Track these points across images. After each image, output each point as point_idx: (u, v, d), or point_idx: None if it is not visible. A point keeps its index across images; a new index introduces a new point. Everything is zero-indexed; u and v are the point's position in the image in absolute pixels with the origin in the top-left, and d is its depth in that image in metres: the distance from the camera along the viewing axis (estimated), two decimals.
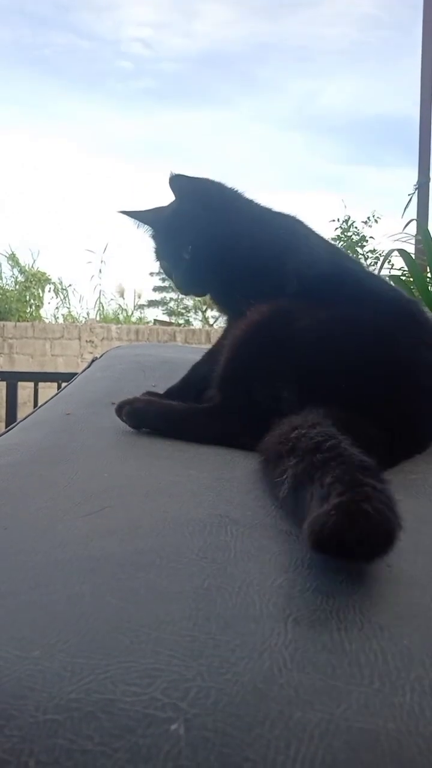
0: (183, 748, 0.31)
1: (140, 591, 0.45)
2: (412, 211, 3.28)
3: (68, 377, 1.98)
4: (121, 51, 24.40)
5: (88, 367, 1.58)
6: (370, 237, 8.35)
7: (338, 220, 8.42)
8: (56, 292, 9.77)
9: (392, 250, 2.76)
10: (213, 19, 24.71)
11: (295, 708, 0.33)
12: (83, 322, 8.28)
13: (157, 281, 17.94)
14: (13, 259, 9.75)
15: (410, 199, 3.26)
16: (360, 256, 8.31)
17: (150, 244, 1.17)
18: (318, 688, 0.35)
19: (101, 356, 1.71)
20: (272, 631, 0.40)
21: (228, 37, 24.47)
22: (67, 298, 9.72)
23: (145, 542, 0.54)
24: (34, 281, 9.68)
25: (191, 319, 14.72)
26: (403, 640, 0.40)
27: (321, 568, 0.50)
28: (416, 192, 3.32)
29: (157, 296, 17.45)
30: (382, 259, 2.83)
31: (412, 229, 3.07)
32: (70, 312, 9.68)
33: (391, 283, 1.46)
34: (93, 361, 1.63)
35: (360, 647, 0.39)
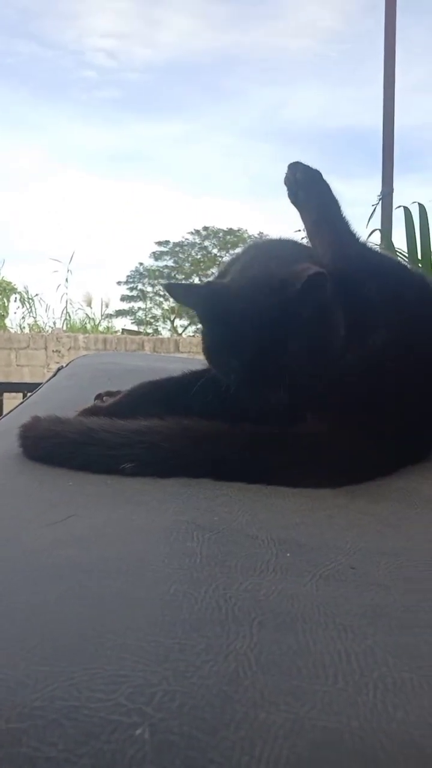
0: (148, 752, 0.30)
1: (106, 598, 0.45)
2: (376, 221, 3.34)
3: (33, 387, 1.96)
4: (85, 60, 24.43)
5: (54, 375, 1.56)
6: None
7: (304, 229, 8.50)
8: (22, 301, 9.67)
9: None
10: (177, 30, 24.90)
11: (260, 709, 0.33)
12: (49, 331, 8.20)
13: (125, 291, 17.96)
14: None
15: (374, 210, 3.32)
16: None
17: None
18: (283, 689, 0.35)
19: (67, 365, 1.70)
20: (238, 635, 0.40)
21: (192, 47, 24.74)
22: (33, 308, 9.61)
23: (110, 550, 0.54)
24: None
25: (160, 329, 14.73)
26: (366, 641, 0.41)
27: (287, 572, 0.51)
28: (380, 202, 3.38)
29: (125, 306, 17.45)
30: None
31: (376, 238, 3.12)
32: (36, 322, 9.58)
33: None
34: (59, 369, 1.62)
35: (324, 648, 0.39)
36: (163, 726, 0.32)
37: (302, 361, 0.81)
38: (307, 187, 0.95)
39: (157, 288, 17.83)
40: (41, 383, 1.57)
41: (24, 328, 9.37)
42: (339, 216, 0.96)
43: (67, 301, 9.32)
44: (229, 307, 0.84)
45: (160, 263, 18.62)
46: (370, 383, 0.84)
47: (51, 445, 0.78)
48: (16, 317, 9.69)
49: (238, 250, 1.09)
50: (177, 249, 18.76)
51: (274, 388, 0.81)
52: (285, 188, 0.98)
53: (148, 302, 17.37)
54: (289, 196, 0.97)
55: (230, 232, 18.33)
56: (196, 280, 17.95)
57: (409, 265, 1.13)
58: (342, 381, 0.83)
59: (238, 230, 18.19)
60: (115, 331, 10.36)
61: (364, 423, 0.81)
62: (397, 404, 0.84)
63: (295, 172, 0.96)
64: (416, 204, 2.88)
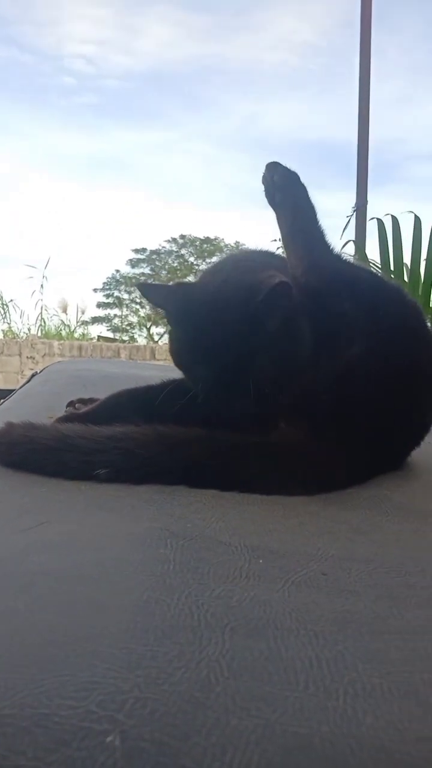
0: (118, 759, 0.30)
1: (77, 605, 0.45)
2: (350, 233, 3.39)
3: (7, 394, 1.94)
4: (64, 66, 24.38)
5: (28, 381, 1.55)
6: None
7: (279, 239, 8.55)
8: None
9: None
10: (156, 39, 25.01)
11: (231, 715, 0.33)
12: (24, 338, 8.11)
13: (101, 297, 17.89)
14: None
15: (348, 221, 3.36)
16: None
17: None
18: (254, 694, 0.35)
19: (41, 371, 1.68)
20: (210, 641, 0.40)
21: (172, 56, 24.86)
22: (7, 314, 9.49)
23: (83, 556, 0.53)
24: None
25: (136, 336, 14.68)
26: (337, 646, 0.41)
27: (259, 578, 0.51)
28: (354, 214, 3.43)
29: (102, 313, 17.37)
30: None
31: (350, 249, 3.16)
32: (10, 328, 9.46)
33: None
34: (33, 375, 1.61)
35: (295, 654, 0.40)
36: (134, 733, 0.32)
37: (267, 372, 0.81)
38: (284, 190, 0.95)
39: (133, 295, 17.79)
40: (15, 389, 1.55)
41: None
42: (314, 224, 0.96)
43: (42, 308, 9.21)
44: (197, 310, 0.84)
45: (137, 270, 18.62)
46: (346, 394, 0.84)
47: (25, 451, 0.78)
48: None
49: (215, 258, 1.10)
50: (154, 257, 18.77)
51: (238, 397, 0.81)
52: (263, 197, 0.97)
53: (125, 309, 17.33)
54: (266, 195, 0.96)
55: (207, 240, 18.40)
56: None
57: (384, 277, 1.12)
58: (317, 391, 0.84)
59: (215, 239, 18.29)
60: (91, 338, 10.29)
61: (340, 433, 0.82)
62: (372, 415, 0.85)
63: (273, 174, 0.95)
64: (389, 216, 2.93)
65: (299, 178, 0.95)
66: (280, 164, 0.95)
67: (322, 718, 0.34)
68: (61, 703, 0.33)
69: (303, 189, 0.96)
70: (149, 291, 0.92)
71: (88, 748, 0.31)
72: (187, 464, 0.76)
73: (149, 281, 18.10)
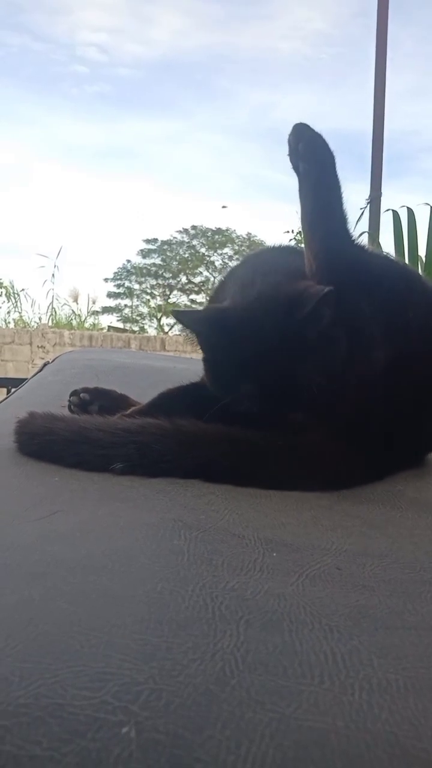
0: (134, 750, 0.30)
1: (91, 595, 0.45)
2: (364, 224, 3.36)
3: (18, 383, 1.94)
4: (77, 55, 24.28)
5: (40, 371, 1.55)
6: None
7: (292, 231, 8.50)
8: (8, 296, 9.56)
9: None
10: (169, 28, 24.87)
11: (246, 708, 0.33)
12: (35, 327, 8.13)
13: (111, 287, 17.90)
14: None
15: (362, 213, 3.34)
16: None
17: None
18: (269, 688, 0.35)
19: (53, 360, 1.68)
20: (224, 633, 0.40)
21: (184, 45, 24.71)
22: (18, 303, 9.51)
23: (96, 547, 0.53)
24: None
25: (146, 326, 14.68)
26: (352, 641, 0.41)
27: (273, 571, 0.51)
28: (368, 206, 3.40)
29: (112, 302, 17.38)
30: None
31: (364, 241, 3.14)
32: (21, 317, 9.48)
33: None
34: (45, 365, 1.61)
35: (311, 648, 0.40)
36: (149, 724, 0.32)
37: (317, 380, 0.79)
38: (308, 161, 0.87)
39: (144, 286, 17.80)
40: (26, 379, 1.56)
41: (9, 323, 9.27)
42: (337, 209, 0.88)
43: (53, 297, 9.23)
44: (234, 330, 0.82)
45: (148, 261, 18.59)
46: (367, 398, 0.82)
47: (44, 442, 0.78)
48: (1, 312, 9.59)
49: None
50: (165, 247, 18.72)
51: (290, 409, 0.80)
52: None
53: (135, 300, 17.31)
54: (290, 159, 0.89)
55: (218, 231, 18.32)
56: (184, 279, 17.96)
57: (422, 276, 1.03)
58: (337, 394, 0.82)
59: (227, 230, 18.20)
60: (101, 328, 10.30)
61: (359, 435, 0.80)
62: (394, 420, 0.83)
63: (299, 141, 0.87)
64: (404, 208, 2.90)
65: (327, 146, 0.87)
66: (308, 128, 0.87)
67: (337, 713, 0.34)
68: (76, 693, 0.33)
69: (330, 161, 0.87)
70: (183, 317, 0.90)
71: (103, 739, 0.31)
72: (205, 461, 0.75)
73: (160, 273, 18.14)
